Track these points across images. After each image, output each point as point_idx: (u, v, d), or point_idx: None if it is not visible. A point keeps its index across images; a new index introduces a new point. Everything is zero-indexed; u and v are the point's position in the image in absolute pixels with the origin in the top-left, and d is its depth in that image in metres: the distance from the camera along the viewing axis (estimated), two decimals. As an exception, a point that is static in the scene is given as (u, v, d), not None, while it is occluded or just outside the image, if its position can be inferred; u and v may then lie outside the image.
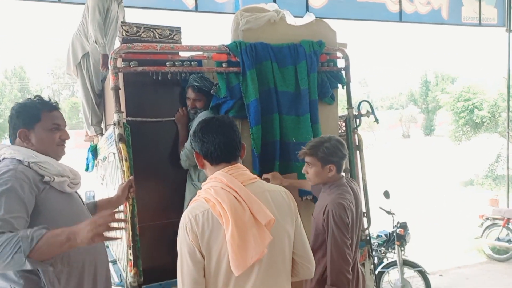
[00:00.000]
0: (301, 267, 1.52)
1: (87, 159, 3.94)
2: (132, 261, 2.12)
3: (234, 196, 1.39)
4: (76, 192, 1.84)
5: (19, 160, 1.61)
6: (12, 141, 1.73)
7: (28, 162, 1.61)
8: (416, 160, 17.18)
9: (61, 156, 1.80)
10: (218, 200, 1.38)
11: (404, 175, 13.50)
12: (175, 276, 1.42)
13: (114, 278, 2.62)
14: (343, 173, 2.11)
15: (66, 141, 1.82)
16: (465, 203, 9.93)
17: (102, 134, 3.71)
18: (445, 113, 14.64)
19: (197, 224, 1.36)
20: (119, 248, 2.67)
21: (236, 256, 1.33)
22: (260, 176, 2.40)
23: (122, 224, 1.94)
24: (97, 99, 3.62)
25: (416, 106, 31.49)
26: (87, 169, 3.94)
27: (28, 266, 1.39)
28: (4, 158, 1.64)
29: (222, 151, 1.45)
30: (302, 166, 2.44)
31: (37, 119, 1.71)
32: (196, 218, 1.36)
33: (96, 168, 3.84)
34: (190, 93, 2.51)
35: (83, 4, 3.59)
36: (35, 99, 1.75)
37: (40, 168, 1.62)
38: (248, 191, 1.40)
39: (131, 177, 2.08)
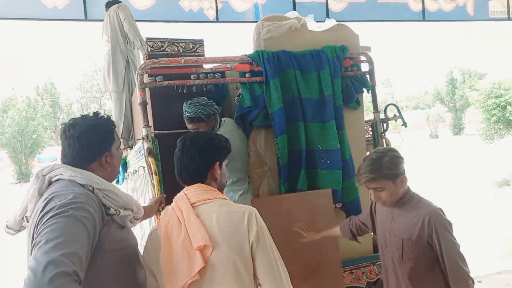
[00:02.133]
0: None
1: (117, 171, 4.05)
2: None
3: (178, 217, 1.40)
4: None
5: (80, 184, 1.38)
6: (85, 165, 1.47)
7: (93, 188, 1.39)
8: (447, 161, 16.64)
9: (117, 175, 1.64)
10: (161, 220, 1.45)
11: (434, 178, 13.10)
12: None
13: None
14: None
15: None
16: (501, 204, 9.52)
17: (130, 147, 3.80)
18: (474, 111, 14.17)
19: (148, 242, 1.48)
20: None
21: (166, 279, 1.36)
22: (286, 188, 2.39)
23: None
24: (132, 112, 3.74)
25: (443, 104, 30.62)
26: (117, 182, 4.05)
27: None
28: (59, 180, 1.40)
29: (180, 176, 1.52)
30: (328, 174, 2.42)
31: (113, 140, 1.55)
32: (149, 236, 1.48)
33: (126, 181, 3.93)
34: (187, 124, 2.46)
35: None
36: (104, 117, 1.57)
37: (104, 196, 1.40)
38: (192, 213, 1.39)
39: (163, 195, 2.13)
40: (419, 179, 12.38)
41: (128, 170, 3.63)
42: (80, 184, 1.38)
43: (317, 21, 2.78)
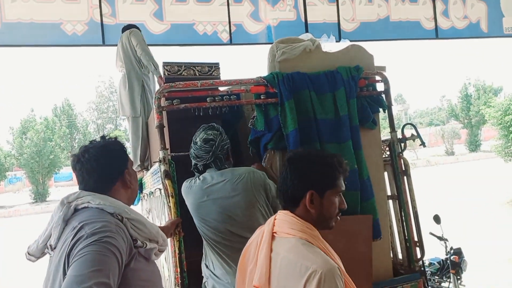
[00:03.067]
0: None
1: (132, 192, 4.08)
2: (181, 298, 2.12)
3: (257, 241, 1.36)
4: None
5: (109, 212, 1.34)
6: (108, 188, 1.45)
7: (122, 217, 1.34)
8: (464, 179, 16.28)
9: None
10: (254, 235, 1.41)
11: (452, 196, 12.80)
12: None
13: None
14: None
15: None
16: (523, 223, 9.20)
17: (146, 168, 3.83)
18: (490, 127, 13.89)
19: None
20: (166, 284, 2.68)
21: None
22: None
23: None
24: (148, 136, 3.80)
25: (457, 121, 30.20)
26: (133, 203, 4.07)
27: None
28: (85, 208, 1.36)
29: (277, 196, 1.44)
30: (347, 195, 2.35)
31: (127, 157, 1.54)
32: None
33: (141, 202, 3.95)
34: None
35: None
36: (114, 140, 1.56)
37: (132, 227, 1.35)
38: (267, 244, 1.29)
39: (179, 218, 2.13)
40: (435, 196, 12.13)
41: (144, 191, 3.66)
42: (109, 212, 1.34)
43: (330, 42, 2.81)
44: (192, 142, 2.19)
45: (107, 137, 1.55)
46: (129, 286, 1.28)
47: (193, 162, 2.21)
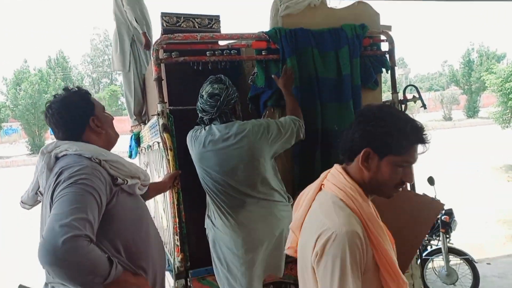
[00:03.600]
0: None
1: (130, 146, 4.09)
2: (179, 247, 2.19)
3: (307, 192, 1.33)
4: None
5: (87, 157, 1.44)
6: (78, 136, 1.55)
7: (99, 160, 1.45)
8: (460, 144, 16.43)
9: (117, 139, 1.70)
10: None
11: (448, 160, 12.97)
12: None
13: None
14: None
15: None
16: (514, 188, 9.43)
17: (143, 122, 3.82)
18: (490, 94, 13.81)
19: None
20: (165, 234, 2.76)
21: None
22: (299, 167, 2.38)
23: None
24: (142, 89, 3.73)
25: (458, 87, 29.93)
26: (130, 156, 4.09)
27: None
28: (65, 155, 1.46)
29: None
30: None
31: (92, 104, 1.60)
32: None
33: (139, 155, 3.97)
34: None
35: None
36: (76, 88, 1.63)
37: (111, 167, 1.46)
38: (311, 196, 1.30)
39: (178, 171, 2.15)
40: (431, 162, 12.29)
41: (142, 145, 3.67)
42: (87, 157, 1.44)
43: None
44: (199, 95, 2.15)
45: (71, 89, 1.61)
46: (115, 219, 1.42)
47: (199, 115, 2.19)
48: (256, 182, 2.08)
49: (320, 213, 1.21)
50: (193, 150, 2.19)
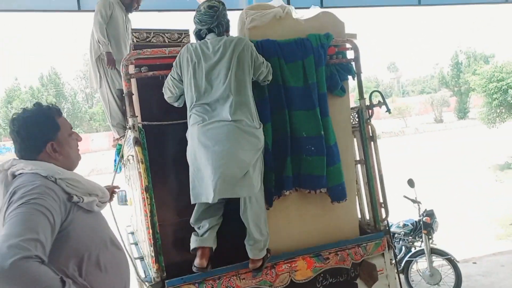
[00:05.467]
0: None
1: (114, 160, 4.13)
2: (154, 258, 2.23)
3: None
4: None
5: (43, 176, 1.45)
6: (33, 157, 1.54)
7: (55, 178, 1.45)
8: (449, 145, 16.60)
9: (79, 161, 1.68)
10: None
11: (436, 162, 13.10)
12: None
13: (142, 274, 2.75)
14: None
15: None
16: (501, 187, 9.54)
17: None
18: (478, 95, 14.05)
19: None
20: (144, 246, 2.80)
21: None
22: (273, 172, 2.45)
23: None
24: (117, 102, 3.79)
25: (448, 89, 30.29)
26: (115, 170, 4.13)
27: None
28: (21, 174, 1.46)
29: None
30: (313, 160, 2.47)
31: (57, 128, 1.58)
32: None
33: (123, 169, 4.01)
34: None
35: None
36: (42, 107, 1.60)
37: (67, 185, 1.46)
38: None
39: (117, 186, 2.27)
40: (422, 163, 12.41)
41: (124, 159, 3.71)
42: (42, 175, 1.44)
43: (302, 8, 2.78)
44: (196, 12, 2.32)
45: (41, 105, 1.59)
46: (69, 237, 1.40)
47: (197, 28, 2.33)
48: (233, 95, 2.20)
49: None
50: (184, 62, 2.26)
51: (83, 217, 1.49)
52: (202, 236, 2.26)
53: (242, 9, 3.64)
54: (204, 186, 2.13)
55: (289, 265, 2.48)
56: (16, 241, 1.19)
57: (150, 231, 2.23)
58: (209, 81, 2.20)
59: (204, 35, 2.33)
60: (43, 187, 1.39)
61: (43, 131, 1.55)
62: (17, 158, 1.55)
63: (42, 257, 1.23)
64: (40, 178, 1.43)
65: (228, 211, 2.36)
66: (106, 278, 1.50)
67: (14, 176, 1.48)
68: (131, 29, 2.56)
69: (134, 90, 2.39)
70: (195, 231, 2.31)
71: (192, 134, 2.19)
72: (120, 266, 1.61)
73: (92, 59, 3.74)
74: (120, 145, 3.88)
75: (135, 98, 2.37)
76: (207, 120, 2.15)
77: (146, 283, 2.38)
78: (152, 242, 2.23)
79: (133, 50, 2.42)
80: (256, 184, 2.19)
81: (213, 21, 2.28)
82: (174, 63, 2.29)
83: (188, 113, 2.25)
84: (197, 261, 2.22)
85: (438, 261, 4.26)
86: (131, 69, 2.33)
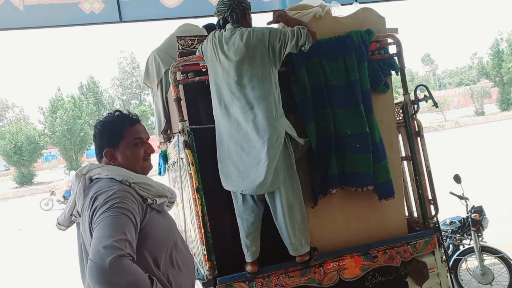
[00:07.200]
0: None
1: (159, 164, 4.28)
2: (206, 256, 2.31)
3: None
4: None
5: (118, 180, 1.55)
6: (99, 161, 1.70)
7: (129, 183, 1.55)
8: (493, 138, 15.80)
9: (148, 171, 1.75)
10: None
11: (481, 156, 12.51)
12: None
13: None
14: None
15: (152, 154, 1.77)
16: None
17: (169, 140, 4.00)
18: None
19: None
20: (194, 245, 2.90)
21: None
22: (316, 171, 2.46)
23: None
24: (166, 108, 3.93)
25: (488, 79, 28.84)
26: (159, 173, 4.28)
27: None
28: (98, 179, 1.58)
29: None
30: (359, 158, 2.47)
31: (120, 137, 1.65)
32: None
33: (167, 172, 4.15)
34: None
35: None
36: (115, 115, 1.70)
37: (140, 189, 1.56)
38: None
39: None
40: (466, 158, 11.90)
41: (169, 162, 3.84)
42: (118, 180, 1.55)
43: (342, 4, 2.77)
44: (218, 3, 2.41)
45: (111, 114, 1.71)
46: (148, 237, 1.51)
47: (217, 19, 2.42)
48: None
49: None
50: (207, 52, 2.37)
51: (157, 217, 1.58)
52: (251, 249, 2.36)
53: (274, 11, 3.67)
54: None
55: (337, 263, 2.48)
56: (110, 242, 1.31)
57: (202, 230, 2.31)
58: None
59: (222, 25, 2.40)
60: (122, 191, 1.49)
61: (106, 139, 1.67)
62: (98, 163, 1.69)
63: (133, 255, 1.35)
64: (117, 183, 1.54)
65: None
66: (180, 275, 1.59)
67: (91, 180, 1.59)
68: (176, 36, 2.65)
69: (181, 95, 2.48)
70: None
71: None
72: (189, 265, 1.69)
73: (159, 66, 3.83)
74: (164, 150, 4.02)
75: (182, 103, 2.46)
76: None
77: (198, 280, 2.46)
78: (204, 241, 2.31)
79: (179, 57, 2.51)
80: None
81: (226, 10, 2.33)
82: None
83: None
84: (249, 268, 2.35)
85: (489, 260, 4.08)
86: (178, 75, 2.42)
